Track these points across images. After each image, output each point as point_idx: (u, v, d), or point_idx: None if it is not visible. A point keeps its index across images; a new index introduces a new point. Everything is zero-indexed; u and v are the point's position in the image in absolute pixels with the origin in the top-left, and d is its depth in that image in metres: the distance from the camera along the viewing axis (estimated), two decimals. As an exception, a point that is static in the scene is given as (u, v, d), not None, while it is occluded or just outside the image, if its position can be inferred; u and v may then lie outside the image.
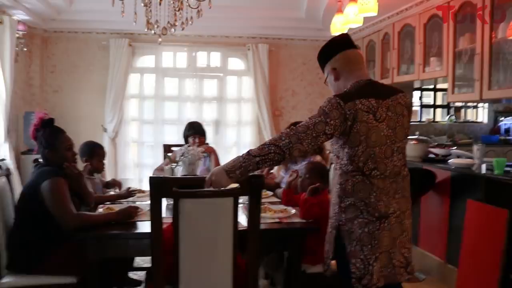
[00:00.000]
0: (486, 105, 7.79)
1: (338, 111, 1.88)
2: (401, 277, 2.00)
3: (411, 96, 5.40)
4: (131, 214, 2.42)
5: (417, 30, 4.19)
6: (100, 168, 3.11)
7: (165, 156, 4.36)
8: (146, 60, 5.62)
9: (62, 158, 2.48)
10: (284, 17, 5.37)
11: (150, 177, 1.86)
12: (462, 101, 4.44)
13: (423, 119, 7.52)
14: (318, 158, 3.29)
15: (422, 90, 7.48)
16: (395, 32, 4.56)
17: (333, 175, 2.11)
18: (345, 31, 3.88)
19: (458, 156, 4.09)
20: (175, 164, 2.89)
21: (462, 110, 7.79)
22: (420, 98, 7.62)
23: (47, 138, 2.45)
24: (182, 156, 2.84)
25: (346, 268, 1.97)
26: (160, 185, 1.86)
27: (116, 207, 2.63)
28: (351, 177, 1.95)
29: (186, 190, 1.91)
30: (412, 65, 4.41)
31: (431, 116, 7.62)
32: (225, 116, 5.78)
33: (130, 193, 2.91)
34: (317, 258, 2.55)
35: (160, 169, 3.88)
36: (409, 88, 5.21)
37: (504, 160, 3.29)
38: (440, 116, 7.80)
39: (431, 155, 4.44)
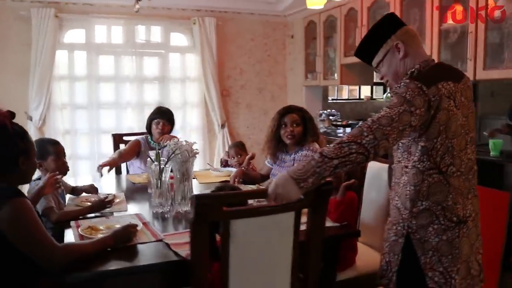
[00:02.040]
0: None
1: (422, 98, 1.56)
2: (480, 287, 1.75)
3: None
4: (131, 235, 1.88)
5: (392, 6, 3.95)
6: (62, 169, 2.47)
7: (116, 148, 3.76)
8: (75, 35, 4.76)
9: (34, 168, 1.85)
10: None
11: (195, 196, 1.36)
12: None
13: (362, 96, 7.50)
14: (316, 146, 2.93)
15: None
16: (364, 7, 4.28)
17: (399, 174, 1.77)
18: (322, 5, 3.54)
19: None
20: (163, 162, 2.35)
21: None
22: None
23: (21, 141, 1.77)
24: (173, 152, 2.31)
25: (419, 283, 1.67)
26: (209, 205, 1.37)
27: (99, 223, 2.07)
28: (427, 177, 1.65)
29: (238, 208, 1.44)
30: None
31: (369, 94, 7.63)
32: (168, 98, 5.16)
33: (105, 203, 2.32)
34: (346, 264, 2.26)
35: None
36: (368, 67, 5.03)
37: (501, 142, 3.20)
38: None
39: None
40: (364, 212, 2.58)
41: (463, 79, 1.72)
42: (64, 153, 2.53)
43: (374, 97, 7.62)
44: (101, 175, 3.14)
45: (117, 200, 2.50)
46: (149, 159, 2.78)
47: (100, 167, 3.17)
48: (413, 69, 1.72)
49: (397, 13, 3.80)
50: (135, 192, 2.90)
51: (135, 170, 3.52)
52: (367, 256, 2.43)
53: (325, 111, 5.48)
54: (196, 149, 2.41)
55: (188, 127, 5.23)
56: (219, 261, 1.46)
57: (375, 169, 2.64)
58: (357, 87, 7.37)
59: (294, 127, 2.93)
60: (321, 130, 4.98)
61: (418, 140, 1.65)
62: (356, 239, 2.34)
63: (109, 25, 4.85)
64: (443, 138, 1.63)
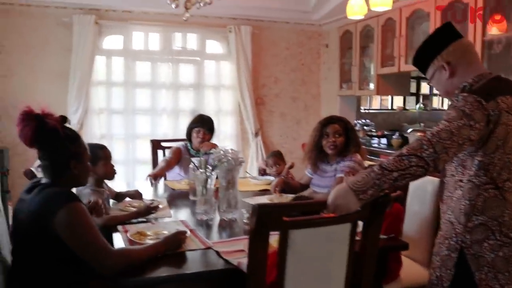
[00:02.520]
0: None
1: (481, 112, 1.53)
2: None
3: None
4: (181, 242, 1.89)
5: (432, 16, 3.89)
6: (111, 173, 2.50)
7: (154, 153, 3.81)
8: (113, 41, 4.84)
9: (87, 172, 1.87)
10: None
11: (258, 206, 1.34)
12: None
13: (394, 107, 7.44)
14: (358, 157, 2.89)
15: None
16: (403, 18, 4.24)
17: (452, 187, 1.73)
18: (363, 15, 3.51)
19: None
20: (210, 170, 2.36)
21: (431, 98, 7.80)
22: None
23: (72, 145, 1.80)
24: (219, 161, 2.31)
25: None
26: (270, 216, 1.35)
27: (147, 229, 2.08)
28: (483, 191, 1.61)
29: (298, 218, 1.42)
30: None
31: (401, 104, 7.55)
32: (203, 105, 5.18)
33: (151, 209, 2.33)
34: (391, 276, 2.22)
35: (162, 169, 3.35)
36: (404, 77, 4.97)
37: None
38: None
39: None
40: (407, 225, 2.52)
41: None
42: (111, 157, 2.57)
43: (406, 107, 7.55)
44: (152, 185, 3.18)
45: (160, 206, 2.51)
46: (191, 166, 2.81)
47: (151, 177, 3.21)
48: (465, 84, 1.70)
49: (437, 25, 3.77)
50: (176, 198, 2.91)
51: (174, 176, 3.54)
52: (410, 269, 2.39)
53: (360, 121, 5.43)
54: (242, 158, 2.41)
55: (222, 135, 5.23)
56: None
57: (419, 181, 2.56)
58: (388, 97, 7.30)
59: (336, 138, 2.90)
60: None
61: (474, 154, 1.63)
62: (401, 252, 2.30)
63: (147, 32, 4.91)
64: (501, 153, 1.60)
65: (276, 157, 3.52)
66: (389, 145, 4.84)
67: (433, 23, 3.88)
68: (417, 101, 7.53)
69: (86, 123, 4.70)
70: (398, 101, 7.50)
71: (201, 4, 2.61)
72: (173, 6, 2.59)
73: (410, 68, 4.28)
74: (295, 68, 5.67)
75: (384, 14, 4.38)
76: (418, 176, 1.47)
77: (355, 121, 5.43)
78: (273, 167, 3.47)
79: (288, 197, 2.75)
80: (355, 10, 3.49)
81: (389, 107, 7.39)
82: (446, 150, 1.47)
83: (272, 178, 3.41)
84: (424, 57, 1.79)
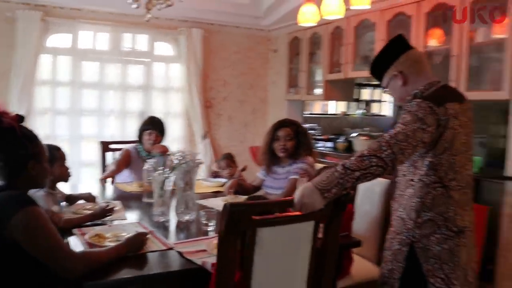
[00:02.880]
0: (390, 99, 8.25)
1: (432, 117, 1.69)
2: None
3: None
4: (143, 243, 1.89)
5: (378, 27, 4.11)
6: (66, 175, 2.45)
7: (103, 155, 3.74)
8: (60, 39, 4.67)
9: (45, 174, 1.82)
10: (223, 1, 4.91)
11: (229, 205, 1.39)
12: None
13: (338, 111, 7.69)
14: (310, 159, 3.00)
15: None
16: (350, 27, 4.43)
17: (403, 186, 1.87)
18: (315, 22, 3.63)
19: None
20: (168, 171, 2.36)
21: (370, 104, 8.15)
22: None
23: (30, 144, 1.74)
24: (178, 162, 2.33)
25: None
26: (241, 215, 1.40)
27: (105, 231, 2.06)
28: (432, 189, 1.77)
29: (265, 217, 1.48)
30: (367, 62, 4.36)
31: (344, 109, 7.82)
32: (151, 107, 5.13)
33: (107, 211, 2.31)
34: (343, 273, 2.35)
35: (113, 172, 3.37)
36: (349, 83, 5.18)
37: (480, 159, 3.37)
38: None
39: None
40: (357, 223, 2.65)
41: (465, 101, 1.86)
42: (66, 158, 2.51)
43: (348, 112, 7.85)
44: (104, 187, 3.24)
45: (116, 208, 2.48)
46: (145, 168, 2.80)
47: (103, 179, 3.30)
48: (417, 91, 1.85)
49: (383, 34, 3.99)
50: (128, 200, 2.88)
51: (123, 179, 3.48)
52: (360, 266, 2.51)
53: (305, 125, 5.58)
54: (200, 159, 2.44)
55: (170, 137, 5.16)
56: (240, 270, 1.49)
57: (368, 182, 2.72)
58: (329, 103, 7.50)
59: (286, 141, 3.00)
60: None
61: (425, 155, 1.77)
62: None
63: (95, 31, 4.78)
64: (448, 154, 1.75)
65: (229, 160, 3.57)
66: (335, 148, 5.02)
67: (379, 33, 4.09)
68: (359, 107, 7.86)
69: (28, 124, 4.48)
70: (342, 106, 7.78)
71: (163, 6, 2.60)
72: (134, 6, 2.56)
73: (356, 74, 4.49)
74: (243, 72, 5.75)
75: (333, 22, 4.55)
76: (377, 175, 1.58)
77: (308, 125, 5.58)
78: (225, 169, 3.52)
79: (242, 198, 2.80)
80: (307, 18, 3.60)
81: (330, 112, 7.63)
82: (403, 151, 1.60)
83: (223, 180, 3.46)
84: (379, 66, 1.94)
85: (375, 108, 8.28)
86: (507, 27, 3.16)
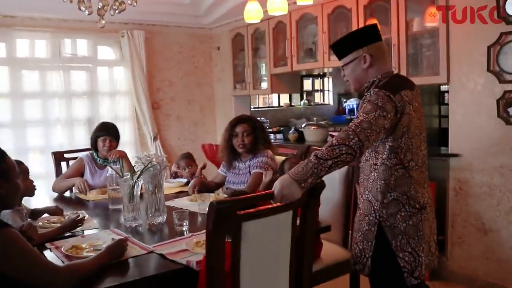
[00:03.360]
0: (331, 88, 8.55)
1: (390, 104, 1.84)
2: (436, 262, 2.06)
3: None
4: (124, 250, 1.90)
5: (320, 20, 4.27)
6: (31, 189, 2.39)
7: (58, 166, 3.65)
8: (-5, 49, 4.47)
9: (16, 191, 1.77)
10: (164, 1, 4.88)
11: (215, 203, 1.45)
12: None
13: (282, 103, 7.87)
14: (269, 152, 3.11)
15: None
16: (293, 21, 4.57)
17: (367, 171, 2.01)
18: (259, 19, 3.73)
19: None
20: (135, 176, 2.37)
21: (313, 94, 8.38)
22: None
23: None
24: (145, 166, 2.34)
25: (392, 264, 1.93)
26: (227, 212, 1.47)
27: (81, 242, 2.05)
28: (394, 171, 1.92)
29: (249, 211, 1.56)
30: (311, 54, 4.54)
31: (287, 101, 8.01)
32: (98, 112, 5.03)
33: (77, 222, 2.28)
34: (314, 257, 2.45)
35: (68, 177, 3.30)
36: (295, 76, 5.34)
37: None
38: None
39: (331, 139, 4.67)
40: (321, 210, 2.78)
41: (415, 87, 2.03)
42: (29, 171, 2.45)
43: (292, 104, 8.04)
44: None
45: (85, 218, 2.46)
46: (108, 174, 2.79)
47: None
48: (375, 79, 1.99)
49: (325, 28, 4.16)
50: (93, 209, 2.86)
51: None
52: (328, 249, 2.63)
53: (261, 119, 5.69)
54: (166, 162, 2.46)
55: (120, 142, 5.11)
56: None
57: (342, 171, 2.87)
58: (273, 95, 7.63)
59: (244, 137, 3.08)
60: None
61: (386, 140, 1.92)
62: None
63: (33, 38, 4.60)
64: (406, 138, 1.91)
65: (188, 159, 3.60)
66: (286, 139, 5.16)
67: (321, 26, 4.26)
68: (301, 98, 8.07)
69: (-32, 139, 4.29)
70: (285, 98, 7.95)
71: (116, 11, 2.58)
72: (86, 13, 2.52)
73: (301, 67, 4.65)
74: (188, 71, 5.76)
75: (275, 18, 4.67)
76: (348, 162, 1.71)
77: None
78: (185, 169, 3.55)
79: (209, 196, 2.85)
80: (252, 15, 3.69)
81: (275, 105, 7.79)
82: (368, 138, 1.73)
83: (184, 180, 3.49)
84: (349, 43, 2.03)
85: (317, 98, 8.54)
86: (437, 16, 3.42)
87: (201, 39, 5.83)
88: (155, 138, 5.37)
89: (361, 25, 3.88)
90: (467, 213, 3.34)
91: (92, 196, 3.14)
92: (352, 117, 7.86)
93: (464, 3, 3.18)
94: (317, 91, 8.48)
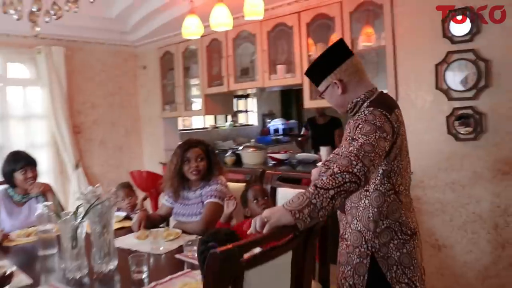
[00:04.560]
0: (256, 109, 8.48)
1: (388, 124, 1.68)
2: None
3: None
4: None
5: (259, 37, 4.11)
6: None
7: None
8: None
9: None
10: (87, 15, 4.43)
11: (218, 252, 1.16)
12: (322, 107, 4.61)
13: (207, 125, 7.64)
14: (223, 179, 2.82)
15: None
16: (229, 39, 4.36)
17: (356, 198, 1.82)
18: (199, 36, 3.50)
19: (303, 159, 4.28)
20: (79, 217, 1.97)
21: (237, 115, 8.26)
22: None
23: None
24: (90, 204, 1.95)
25: None
26: (232, 261, 1.19)
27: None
28: (387, 197, 1.77)
29: (250, 257, 1.28)
30: (248, 73, 4.35)
31: (212, 122, 7.78)
32: (10, 139, 4.40)
33: (5, 279, 1.83)
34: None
35: None
36: (228, 96, 5.12)
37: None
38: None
39: (271, 161, 4.50)
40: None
41: (398, 106, 1.88)
42: None
43: (217, 125, 7.85)
44: None
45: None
46: (38, 213, 2.35)
47: None
48: (358, 99, 1.82)
49: (264, 45, 4.00)
50: (16, 257, 2.36)
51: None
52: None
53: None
54: (116, 197, 2.09)
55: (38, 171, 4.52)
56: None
57: (284, 193, 2.67)
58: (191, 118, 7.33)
59: (198, 162, 2.78)
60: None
61: (379, 164, 1.73)
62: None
63: None
64: (398, 160, 1.76)
65: (127, 189, 3.20)
66: (224, 162, 4.88)
67: (260, 44, 4.10)
68: (226, 120, 7.91)
69: None
70: (210, 120, 7.72)
71: (54, 17, 2.17)
72: (15, 17, 2.09)
73: (239, 87, 4.43)
74: (112, 91, 5.31)
75: (209, 35, 4.43)
76: (351, 192, 1.49)
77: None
78: (124, 201, 3.14)
79: (160, 233, 2.49)
80: (192, 31, 3.44)
81: (195, 127, 7.52)
82: (373, 163, 1.53)
83: (122, 213, 3.08)
84: (318, 72, 1.86)
85: (241, 119, 8.42)
86: (372, 36, 3.43)
87: (125, 57, 5.42)
88: (77, 166, 4.83)
89: (303, 43, 3.79)
90: (421, 230, 3.28)
91: (16, 240, 2.61)
92: (278, 137, 7.83)
93: (410, 25, 3.20)
94: (241, 111, 8.38)
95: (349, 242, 1.85)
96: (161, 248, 2.29)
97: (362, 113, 1.71)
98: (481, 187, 3.04)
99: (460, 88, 3.06)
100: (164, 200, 2.96)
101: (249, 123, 8.57)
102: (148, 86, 5.49)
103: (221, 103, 4.94)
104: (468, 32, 3.00)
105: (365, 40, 3.53)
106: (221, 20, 3.19)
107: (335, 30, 3.58)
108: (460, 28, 3.03)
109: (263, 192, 2.35)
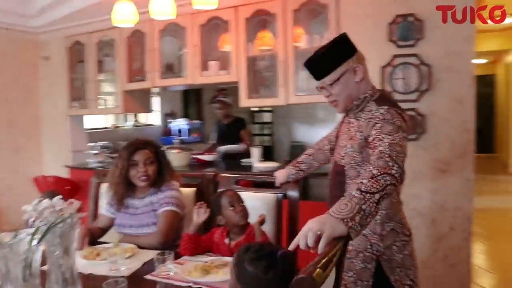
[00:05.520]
0: (159, 108, 8.11)
1: (404, 124, 1.63)
2: None
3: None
4: None
5: (189, 31, 3.83)
6: None
7: None
8: None
9: None
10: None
11: (310, 279, 0.94)
12: (260, 106, 4.45)
13: (108, 125, 7.13)
14: (176, 184, 2.53)
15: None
16: (156, 31, 4.00)
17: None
18: (132, 23, 3.17)
19: (227, 151, 4.22)
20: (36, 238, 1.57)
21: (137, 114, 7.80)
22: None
23: None
24: (46, 224, 1.58)
25: None
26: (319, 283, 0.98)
27: None
28: (393, 199, 1.72)
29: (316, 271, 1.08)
30: (174, 69, 4.05)
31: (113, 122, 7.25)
32: None
33: None
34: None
35: None
36: (146, 93, 4.74)
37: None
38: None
39: (196, 162, 4.27)
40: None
41: None
42: None
43: (118, 125, 7.36)
44: None
45: None
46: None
47: None
48: (366, 95, 1.73)
49: (196, 40, 3.76)
50: None
51: None
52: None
53: (100, 143, 4.85)
54: (79, 212, 1.72)
55: None
56: None
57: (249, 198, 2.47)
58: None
59: (147, 166, 2.45)
60: (94, 165, 4.40)
61: None
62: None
63: None
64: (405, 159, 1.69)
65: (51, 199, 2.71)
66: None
67: (191, 38, 3.83)
68: (126, 119, 7.45)
69: None
70: (109, 119, 7.20)
71: None
72: None
73: (166, 83, 4.11)
74: (7, 85, 4.60)
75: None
76: (390, 195, 1.38)
77: (93, 143, 4.83)
78: (53, 214, 2.66)
79: (114, 250, 2.13)
80: (125, 18, 3.09)
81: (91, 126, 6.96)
82: (403, 163, 1.45)
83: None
84: (336, 55, 1.71)
85: (142, 118, 8.01)
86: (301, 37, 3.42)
87: (26, 45, 4.73)
88: (-35, 172, 4.08)
89: (242, 39, 3.62)
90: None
91: None
92: (182, 138, 7.54)
93: (356, 27, 3.22)
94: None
95: (351, 247, 1.75)
96: (122, 269, 1.95)
97: (377, 111, 1.63)
98: (421, 185, 3.15)
99: (404, 90, 3.14)
100: (104, 210, 2.57)
101: (150, 123, 8.19)
102: (51, 80, 4.85)
103: (140, 100, 4.55)
104: (412, 37, 3.09)
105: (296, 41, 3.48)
106: (162, 9, 2.90)
107: (275, 27, 3.47)
108: (404, 33, 3.11)
109: (238, 198, 2.14)
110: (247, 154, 4.51)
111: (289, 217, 2.37)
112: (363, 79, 1.73)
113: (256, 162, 3.93)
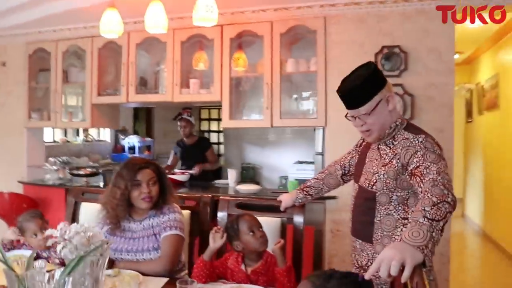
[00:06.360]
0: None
1: (441, 152, 1.68)
2: None
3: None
4: None
5: (170, 47, 3.74)
6: None
7: None
8: None
9: None
10: None
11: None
12: (243, 127, 4.35)
13: (57, 139, 6.75)
14: (177, 206, 2.41)
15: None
16: (132, 43, 3.85)
17: (390, 226, 1.79)
18: (117, 35, 3.06)
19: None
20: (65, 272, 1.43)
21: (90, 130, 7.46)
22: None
23: None
24: (84, 253, 1.45)
25: None
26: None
27: None
28: None
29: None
30: (148, 84, 3.93)
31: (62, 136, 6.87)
32: None
33: None
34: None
35: None
36: (115, 108, 4.53)
37: (296, 182, 3.52)
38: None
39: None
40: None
41: None
42: None
43: (68, 139, 7.00)
44: None
45: None
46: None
47: None
48: (397, 123, 1.78)
49: (177, 56, 3.67)
50: None
51: None
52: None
53: (60, 158, 4.55)
54: (106, 240, 1.59)
55: None
56: None
57: (274, 224, 2.42)
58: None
59: (151, 187, 2.31)
60: (54, 183, 4.14)
61: (417, 191, 1.68)
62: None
63: None
64: None
65: (40, 220, 2.46)
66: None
67: (171, 54, 3.74)
68: (78, 134, 7.11)
69: None
70: (58, 134, 6.83)
71: None
72: None
73: (141, 98, 3.96)
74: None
75: (100, 36, 3.86)
76: (446, 223, 1.42)
77: (54, 159, 4.52)
78: (36, 235, 2.42)
79: (123, 278, 1.99)
80: (111, 29, 2.98)
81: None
82: (453, 190, 1.50)
83: (26, 252, 2.38)
84: (372, 85, 1.74)
85: (95, 134, 7.68)
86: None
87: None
88: None
89: (226, 58, 3.59)
90: (344, 253, 3.38)
91: None
92: (135, 155, 7.29)
93: (345, 57, 3.30)
94: (94, 127, 7.63)
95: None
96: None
97: (415, 140, 1.68)
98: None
99: (390, 118, 3.26)
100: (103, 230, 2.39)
101: (101, 138, 7.88)
102: (6, 88, 4.51)
103: (110, 115, 4.34)
104: (397, 68, 3.23)
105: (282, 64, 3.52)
106: (155, 23, 2.81)
107: (264, 47, 3.48)
108: (390, 63, 3.25)
109: (257, 223, 2.08)
110: (214, 175, 4.45)
111: (293, 242, 2.35)
112: (395, 108, 1.77)
113: (232, 183, 3.88)
